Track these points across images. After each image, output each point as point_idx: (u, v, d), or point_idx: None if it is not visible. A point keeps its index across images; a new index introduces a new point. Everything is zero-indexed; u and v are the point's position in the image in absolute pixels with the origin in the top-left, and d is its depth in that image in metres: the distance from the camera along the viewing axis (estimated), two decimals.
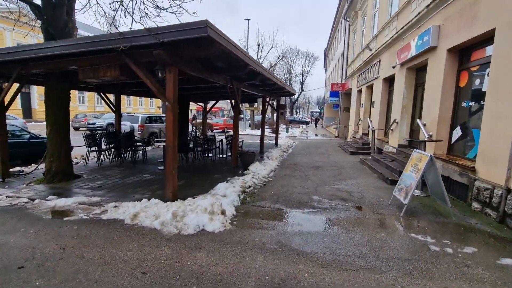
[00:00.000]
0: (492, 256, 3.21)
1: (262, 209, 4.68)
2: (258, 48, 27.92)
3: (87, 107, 36.19)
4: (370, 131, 11.18)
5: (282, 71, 44.79)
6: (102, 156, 8.23)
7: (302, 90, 46.64)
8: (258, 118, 34.32)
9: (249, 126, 26.45)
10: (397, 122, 8.55)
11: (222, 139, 10.23)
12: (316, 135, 23.62)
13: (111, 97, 9.80)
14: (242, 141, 10.83)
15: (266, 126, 27.03)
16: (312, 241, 3.51)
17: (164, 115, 5.40)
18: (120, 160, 8.79)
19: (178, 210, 4.08)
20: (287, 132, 22.96)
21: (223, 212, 4.20)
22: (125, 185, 5.93)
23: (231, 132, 23.73)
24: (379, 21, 11.00)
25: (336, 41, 28.47)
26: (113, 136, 8.95)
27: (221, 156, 10.29)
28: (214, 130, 24.88)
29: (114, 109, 9.71)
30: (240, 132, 24.73)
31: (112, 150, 8.79)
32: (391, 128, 8.95)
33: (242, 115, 30.68)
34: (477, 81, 5.20)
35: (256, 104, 24.74)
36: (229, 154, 9.87)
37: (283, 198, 5.30)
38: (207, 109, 16.00)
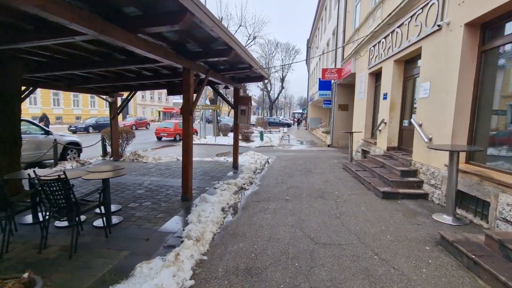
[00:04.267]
0: None
1: None
2: None
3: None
4: (428, 150, 5.08)
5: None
6: None
7: (282, 87, 40.63)
8: (228, 120, 27.80)
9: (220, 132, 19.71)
10: None
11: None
12: (301, 142, 17.51)
13: None
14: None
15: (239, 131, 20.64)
16: None
17: None
18: None
19: None
20: (262, 139, 16.66)
21: None
22: None
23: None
24: None
25: (322, 23, 22.69)
26: None
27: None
28: (163, 138, 18.14)
29: None
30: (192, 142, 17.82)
31: None
32: None
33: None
34: None
35: (219, 102, 18.26)
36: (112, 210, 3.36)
37: None
38: (117, 105, 9.30)
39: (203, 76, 5.54)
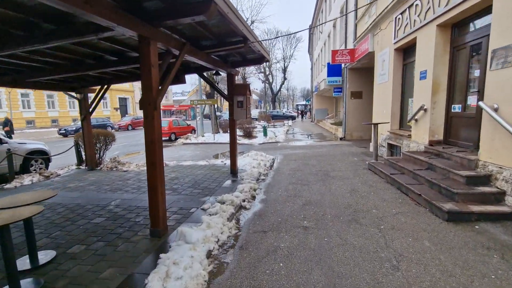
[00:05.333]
0: None
1: None
2: None
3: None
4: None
5: None
6: None
7: (285, 78, 38.65)
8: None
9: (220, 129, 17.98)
10: None
11: None
12: (308, 136, 15.78)
13: None
14: None
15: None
16: None
17: None
18: None
19: None
20: (265, 134, 14.96)
21: None
22: None
23: (181, 140, 15.13)
24: None
25: (327, 4, 20.67)
26: None
27: None
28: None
29: None
30: (188, 141, 15.71)
31: None
32: None
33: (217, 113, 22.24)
34: None
35: (217, 96, 16.50)
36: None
37: None
38: (87, 102, 7.68)
39: (176, 54, 3.83)
